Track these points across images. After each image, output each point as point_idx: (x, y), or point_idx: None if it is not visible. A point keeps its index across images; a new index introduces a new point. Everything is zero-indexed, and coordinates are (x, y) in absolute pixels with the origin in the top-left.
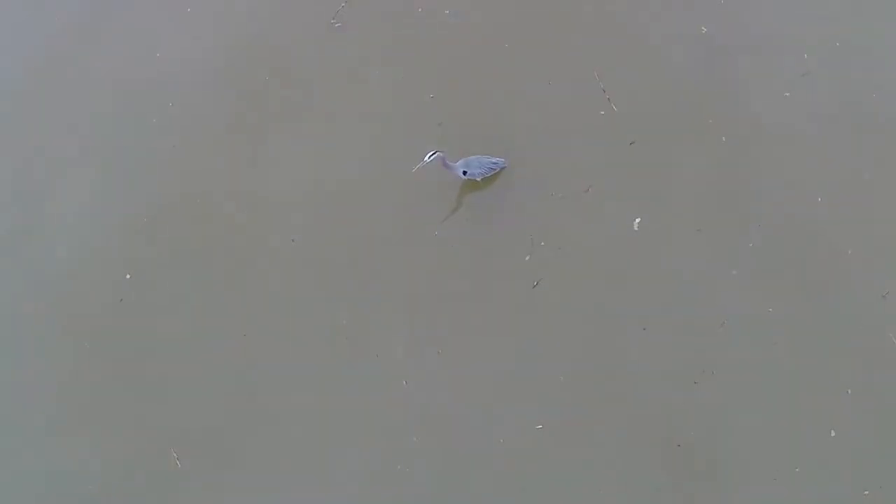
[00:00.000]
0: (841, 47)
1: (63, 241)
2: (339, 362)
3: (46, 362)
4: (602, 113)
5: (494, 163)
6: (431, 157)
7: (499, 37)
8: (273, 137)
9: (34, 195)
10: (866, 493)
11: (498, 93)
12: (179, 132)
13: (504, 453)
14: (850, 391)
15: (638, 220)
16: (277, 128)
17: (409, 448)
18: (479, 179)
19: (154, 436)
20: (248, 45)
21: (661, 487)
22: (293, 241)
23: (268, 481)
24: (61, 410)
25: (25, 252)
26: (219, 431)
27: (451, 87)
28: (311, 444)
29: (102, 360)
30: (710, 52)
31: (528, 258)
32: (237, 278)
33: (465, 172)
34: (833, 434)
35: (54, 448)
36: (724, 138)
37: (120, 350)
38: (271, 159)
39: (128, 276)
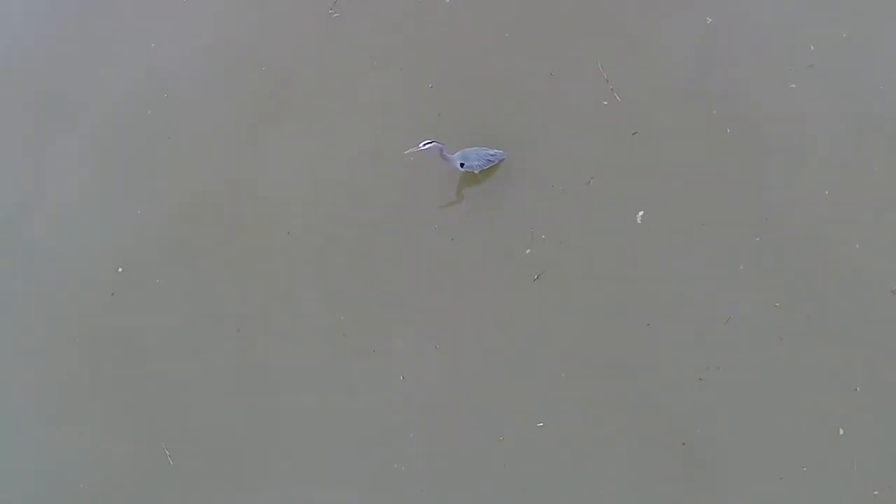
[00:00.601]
0: (847, 39)
1: (55, 234)
2: (335, 357)
3: (36, 356)
4: (605, 103)
5: (493, 155)
6: (426, 146)
7: (500, 26)
8: (269, 130)
9: (25, 188)
10: (875, 493)
11: (498, 83)
12: (175, 123)
13: (504, 452)
14: (858, 389)
15: (641, 214)
16: (273, 120)
17: (406, 445)
18: (476, 172)
19: (145, 432)
20: (245, 35)
21: (665, 486)
22: (288, 233)
23: (261, 477)
24: (50, 405)
25: (16, 244)
26: (211, 427)
27: (451, 77)
28: (306, 441)
29: (93, 355)
30: (714, 42)
31: (528, 252)
32: (231, 272)
33: (462, 164)
34: (841, 432)
35: (42, 444)
36: (728, 130)
37: (110, 345)
38: (267, 151)
39: (120, 270)
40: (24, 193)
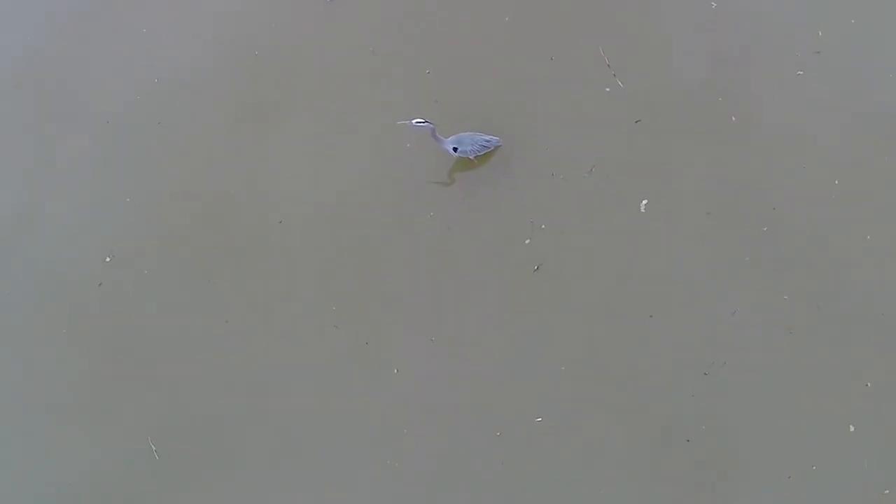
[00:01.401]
0: (856, 24)
1: (41, 222)
2: (326, 349)
3: (20, 346)
4: (607, 90)
5: (488, 141)
6: (419, 123)
7: (499, 10)
8: (260, 116)
9: (9, 173)
10: (886, 492)
11: (498, 68)
12: (165, 109)
13: (501, 448)
14: (869, 384)
15: (645, 203)
16: (266, 106)
17: (400, 441)
18: (472, 157)
19: (131, 423)
20: (240, 20)
21: (668, 485)
22: (280, 222)
23: (249, 470)
24: (33, 395)
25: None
26: (198, 419)
27: (449, 62)
28: (294, 434)
29: (78, 346)
30: (719, 28)
31: (528, 242)
32: (221, 261)
33: (455, 149)
34: (852, 429)
35: (25, 436)
36: (734, 118)
37: (96, 336)
38: (258, 138)
39: (107, 260)
40: (9, 179)
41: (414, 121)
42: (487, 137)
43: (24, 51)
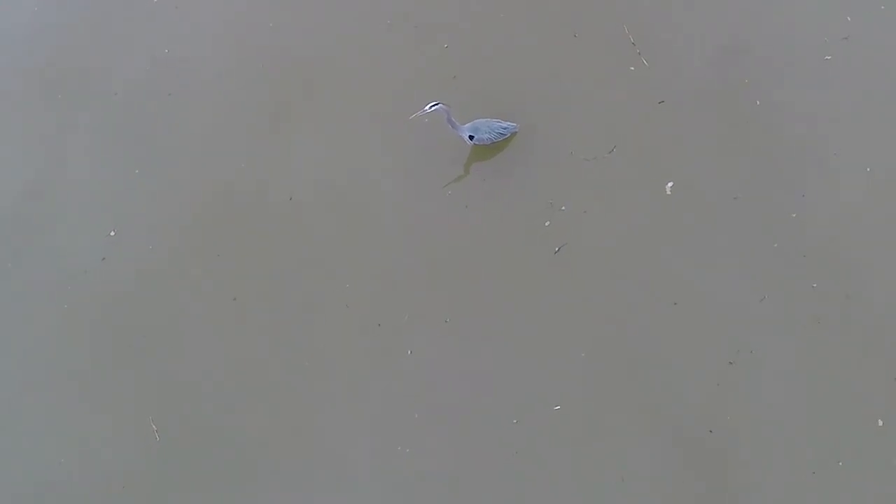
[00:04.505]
0: (886, 10)
1: (45, 193)
2: (337, 330)
3: (22, 321)
4: (632, 68)
5: (505, 128)
6: (432, 108)
7: None
8: (276, 89)
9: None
10: None
11: (518, 44)
12: (175, 81)
13: (517, 436)
14: None
15: (670, 185)
16: (278, 80)
17: (411, 426)
18: (488, 144)
19: (132, 402)
20: None
21: (690, 478)
22: (290, 199)
23: (256, 454)
24: (33, 372)
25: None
26: (201, 401)
27: (468, 37)
28: (303, 417)
29: (79, 322)
30: (748, 10)
31: (547, 224)
32: (228, 238)
33: (471, 137)
34: (881, 424)
35: (24, 414)
36: (758, 102)
37: (98, 312)
38: (273, 112)
39: (112, 234)
40: (17, 150)
41: (427, 107)
42: (504, 124)
43: (32, 22)
